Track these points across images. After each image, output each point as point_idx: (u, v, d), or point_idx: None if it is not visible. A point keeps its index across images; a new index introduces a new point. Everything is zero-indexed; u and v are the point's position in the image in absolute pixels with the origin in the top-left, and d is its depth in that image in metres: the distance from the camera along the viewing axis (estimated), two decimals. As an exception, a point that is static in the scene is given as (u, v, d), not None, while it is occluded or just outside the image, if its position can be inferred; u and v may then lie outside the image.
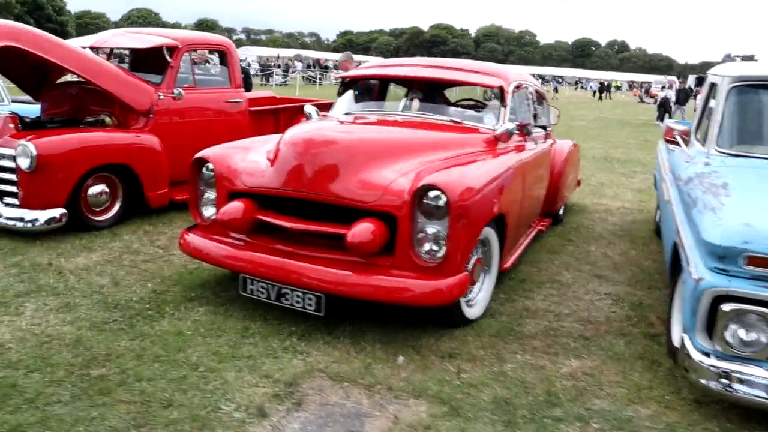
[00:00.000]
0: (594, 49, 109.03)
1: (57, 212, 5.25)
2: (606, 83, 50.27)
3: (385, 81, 5.86)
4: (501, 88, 5.00)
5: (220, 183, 4.10)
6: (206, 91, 6.69)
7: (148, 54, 6.69)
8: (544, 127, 6.07)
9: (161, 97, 6.18)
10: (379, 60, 6.91)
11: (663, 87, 30.12)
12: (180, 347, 3.47)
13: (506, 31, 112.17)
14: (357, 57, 74.74)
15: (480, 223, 3.84)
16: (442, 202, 3.57)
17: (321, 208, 3.83)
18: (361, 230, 3.55)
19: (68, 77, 7.01)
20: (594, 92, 45.58)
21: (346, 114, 5.13)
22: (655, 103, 43.31)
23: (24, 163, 5.08)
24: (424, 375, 3.37)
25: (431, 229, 3.64)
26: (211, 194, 4.23)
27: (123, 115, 6.05)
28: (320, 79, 39.16)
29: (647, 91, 54.41)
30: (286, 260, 3.74)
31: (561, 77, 74.17)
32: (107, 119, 6.08)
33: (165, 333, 3.64)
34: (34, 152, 5.04)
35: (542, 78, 67.02)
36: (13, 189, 5.25)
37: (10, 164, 5.20)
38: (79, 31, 57.75)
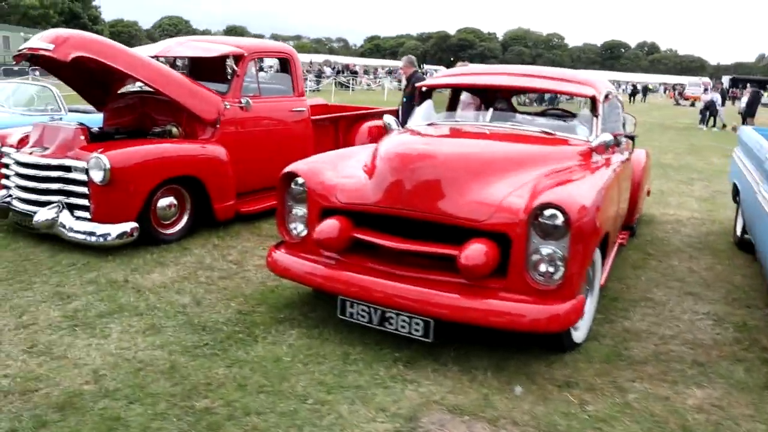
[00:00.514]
0: (623, 50, 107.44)
1: (129, 226, 5.10)
2: (640, 86, 49.32)
3: (464, 90, 5.63)
4: (593, 98, 4.74)
5: (312, 199, 3.89)
6: (271, 100, 6.51)
7: (206, 62, 6.54)
8: (630, 137, 5.77)
9: (228, 106, 6.02)
10: (456, 68, 6.64)
11: (706, 89, 29.28)
12: (282, 376, 3.26)
13: (534, 34, 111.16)
14: (375, 62, 74.08)
15: (595, 241, 3.59)
16: (560, 221, 3.32)
17: (421, 226, 3.60)
18: (475, 252, 3.31)
19: (129, 87, 6.91)
20: (629, 96, 44.74)
21: (430, 124, 4.90)
22: (692, 105, 42.52)
23: (97, 176, 4.94)
24: (546, 407, 3.11)
25: (546, 249, 3.38)
26: (299, 210, 4.02)
27: (190, 125, 5.90)
28: (352, 84, 39.10)
29: (681, 93, 53.35)
30: (389, 282, 3.52)
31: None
32: (174, 130, 5.93)
33: (262, 359, 3.43)
34: (108, 165, 4.90)
35: None
36: (84, 202, 5.12)
37: (82, 177, 5.07)
38: (113, 39, 58.63)
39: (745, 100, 22.70)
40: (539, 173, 3.83)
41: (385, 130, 5.22)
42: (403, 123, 7.82)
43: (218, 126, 5.96)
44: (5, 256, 4.98)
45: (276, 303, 4.27)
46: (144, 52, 6.29)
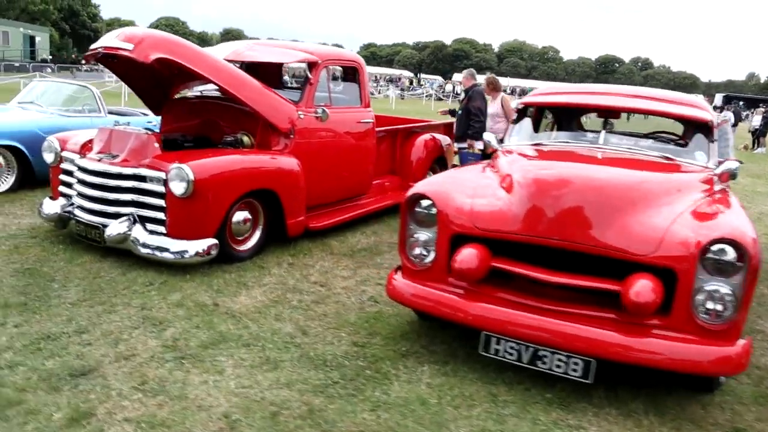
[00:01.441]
0: (618, 65, 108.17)
1: (207, 243, 4.73)
2: None
3: (563, 109, 5.36)
4: (709, 122, 4.50)
5: (443, 224, 3.55)
6: (342, 111, 6.17)
7: (265, 68, 6.18)
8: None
9: (301, 116, 5.67)
10: (551, 85, 6.38)
11: (722, 108, 29.30)
12: (438, 422, 2.93)
13: (529, 47, 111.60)
14: (382, 70, 73.90)
15: (757, 276, 3.29)
16: (732, 256, 3.04)
17: (567, 257, 3.30)
18: (644, 288, 3.03)
19: (185, 92, 6.54)
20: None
21: (537, 144, 4.63)
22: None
23: (178, 187, 4.57)
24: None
25: (714, 286, 3.09)
26: (423, 235, 3.68)
27: (264, 135, 5.54)
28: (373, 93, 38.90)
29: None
30: (543, 318, 3.21)
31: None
32: (246, 139, 5.57)
33: (406, 401, 3.09)
34: (191, 176, 4.54)
35: None
36: (159, 215, 4.74)
37: (159, 188, 4.70)
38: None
39: (758, 119, 22.69)
40: (686, 203, 3.56)
41: (485, 148, 4.95)
42: (459, 136, 7.57)
43: (292, 136, 5.60)
44: (74, 272, 4.58)
45: (390, 333, 3.92)
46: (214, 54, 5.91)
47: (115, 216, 4.82)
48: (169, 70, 5.33)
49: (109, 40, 4.78)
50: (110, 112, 8.17)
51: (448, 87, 55.93)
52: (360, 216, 6.59)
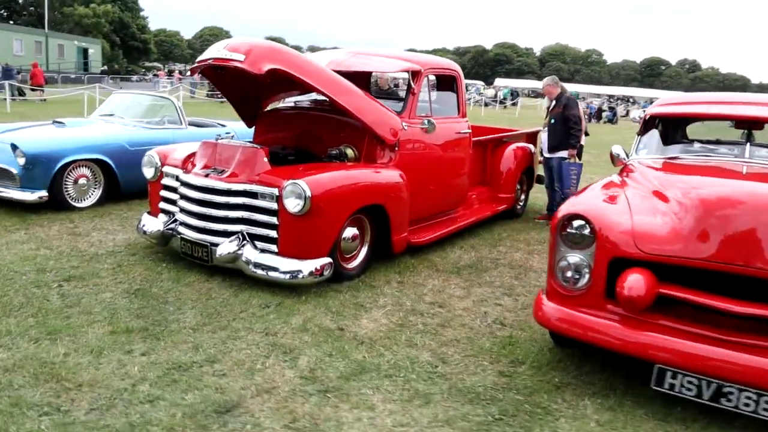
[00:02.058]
0: (664, 68, 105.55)
1: (321, 262, 4.50)
2: None
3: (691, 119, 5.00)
4: None
5: (602, 246, 3.23)
6: (442, 121, 5.89)
7: (359, 78, 5.94)
8: None
9: (405, 127, 5.41)
10: (677, 94, 6.01)
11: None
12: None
13: (572, 50, 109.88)
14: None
15: None
16: None
17: (738, 283, 2.98)
18: None
19: (277, 103, 6.37)
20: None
21: (672, 158, 4.31)
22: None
23: (293, 204, 4.36)
24: None
25: None
26: (574, 257, 3.36)
27: (370, 147, 5.30)
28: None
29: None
30: (728, 351, 2.89)
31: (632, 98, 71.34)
32: (350, 151, 5.34)
33: (586, 447, 2.77)
34: (308, 193, 4.32)
35: (610, 98, 64.88)
36: (271, 233, 4.53)
37: (271, 205, 4.50)
38: (157, 49, 59.25)
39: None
40: None
41: (616, 159, 4.63)
42: (552, 147, 7.18)
43: (397, 149, 5.36)
44: (185, 294, 4.40)
45: (534, 362, 3.62)
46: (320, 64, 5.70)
47: (223, 234, 4.64)
48: (269, 80, 5.13)
49: (217, 52, 4.60)
50: (190, 124, 8.09)
51: (489, 92, 55.06)
52: (459, 230, 6.31)
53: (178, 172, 4.99)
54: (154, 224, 5.00)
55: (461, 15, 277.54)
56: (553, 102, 7.31)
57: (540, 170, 7.99)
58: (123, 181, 7.03)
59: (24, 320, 3.80)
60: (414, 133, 5.50)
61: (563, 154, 7.06)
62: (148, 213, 5.41)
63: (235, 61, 4.48)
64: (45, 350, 3.42)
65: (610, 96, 69.45)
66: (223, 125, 8.63)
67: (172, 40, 77.13)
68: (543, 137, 7.45)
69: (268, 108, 6.10)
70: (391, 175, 5.16)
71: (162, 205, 5.17)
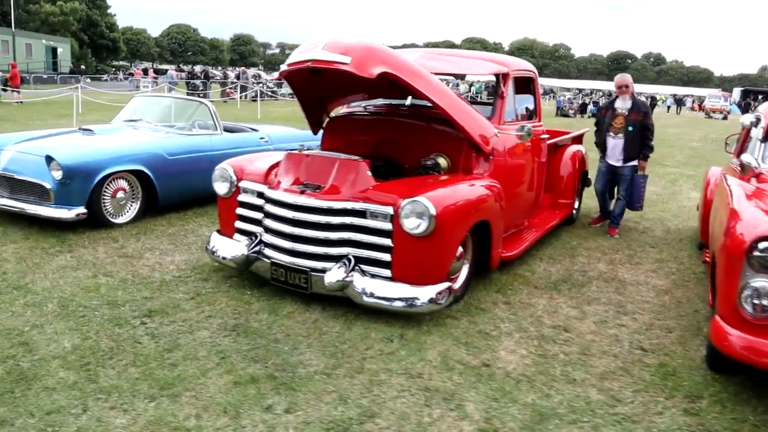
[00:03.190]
0: (630, 62, 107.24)
1: (440, 287, 4.03)
2: (680, 98, 49.38)
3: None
4: None
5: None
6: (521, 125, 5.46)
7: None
8: None
9: (497, 134, 4.97)
10: None
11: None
12: None
13: (540, 45, 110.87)
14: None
15: None
16: None
17: None
18: None
19: (341, 108, 5.84)
20: (669, 107, 45.07)
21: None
22: (724, 118, 41.98)
23: (415, 225, 3.88)
24: None
25: None
26: (762, 282, 2.99)
27: (467, 157, 4.84)
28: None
29: (701, 106, 53.14)
30: None
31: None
32: (442, 161, 4.87)
33: None
34: (432, 211, 3.84)
35: (580, 91, 65.39)
36: (383, 257, 4.04)
37: (384, 225, 4.00)
38: (124, 47, 57.37)
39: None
40: None
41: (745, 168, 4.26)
42: (628, 157, 6.59)
43: (492, 157, 4.91)
44: (292, 328, 3.88)
45: (714, 396, 3.31)
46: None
47: (322, 258, 4.13)
48: (377, 84, 4.63)
49: (315, 53, 4.07)
50: (225, 129, 7.48)
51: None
52: (538, 239, 5.90)
53: (262, 188, 4.44)
54: (235, 248, 4.42)
55: (430, 10, 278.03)
56: (629, 105, 6.47)
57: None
58: (162, 193, 6.42)
59: (124, 371, 3.24)
60: (506, 140, 5.07)
61: (635, 163, 6.58)
62: (219, 233, 4.85)
63: (341, 63, 3.97)
64: (170, 412, 2.88)
65: (580, 89, 70.04)
66: (256, 129, 8.07)
67: (139, 38, 74.93)
68: (610, 143, 6.59)
69: (339, 113, 5.58)
70: (493, 187, 4.70)
71: (239, 224, 4.61)
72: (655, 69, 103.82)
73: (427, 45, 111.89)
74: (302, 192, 4.20)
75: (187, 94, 27.12)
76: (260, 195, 4.46)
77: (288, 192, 4.24)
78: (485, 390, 3.22)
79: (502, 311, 4.39)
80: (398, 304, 3.94)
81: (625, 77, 6.61)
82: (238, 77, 36.50)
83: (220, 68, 51.55)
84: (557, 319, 4.31)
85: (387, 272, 4.03)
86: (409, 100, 5.13)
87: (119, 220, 6.13)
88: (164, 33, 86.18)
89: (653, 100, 46.70)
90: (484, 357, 3.61)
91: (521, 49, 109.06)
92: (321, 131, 5.54)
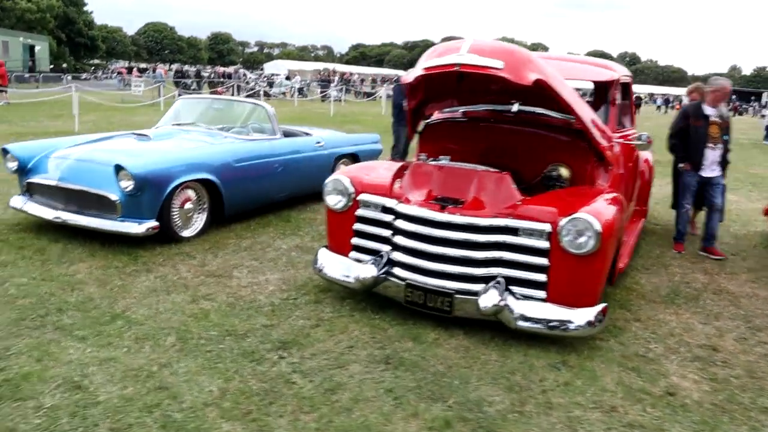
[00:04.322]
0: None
1: (597, 309, 3.68)
2: (668, 97, 50.33)
3: None
4: None
5: None
6: (630, 133, 5.18)
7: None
8: None
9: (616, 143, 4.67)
10: None
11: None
12: None
13: (519, 44, 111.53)
14: (372, 71, 73.16)
15: None
16: None
17: None
18: None
19: (437, 114, 5.44)
20: (659, 107, 46.22)
21: None
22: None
23: (578, 244, 3.53)
24: None
25: None
26: None
27: (593, 167, 4.52)
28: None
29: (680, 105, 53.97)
30: None
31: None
32: (564, 171, 4.53)
33: None
34: (598, 228, 3.49)
35: None
36: (537, 277, 3.68)
37: (539, 244, 3.64)
38: (100, 45, 55.86)
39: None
40: None
41: None
42: (722, 166, 6.10)
43: (610, 167, 4.59)
44: (451, 359, 3.52)
45: None
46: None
47: (469, 279, 3.75)
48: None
49: (465, 57, 3.70)
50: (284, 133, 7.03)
51: None
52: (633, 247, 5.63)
53: (390, 202, 4.03)
54: (362, 269, 3.99)
55: (409, 9, 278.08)
56: (723, 113, 6.00)
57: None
58: (228, 203, 5.96)
59: (296, 419, 2.84)
60: (623, 149, 4.78)
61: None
62: (328, 249, 4.42)
63: (494, 69, 3.60)
64: (377, 469, 2.47)
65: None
66: (308, 133, 7.64)
67: (115, 37, 73.04)
68: (710, 155, 5.89)
69: (435, 118, 5.19)
70: (621, 200, 4.37)
71: (357, 241, 4.20)
72: (631, 68, 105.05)
73: (407, 44, 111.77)
74: (443, 208, 3.81)
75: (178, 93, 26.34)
76: (385, 209, 4.05)
77: (427, 207, 3.85)
78: (690, 424, 2.97)
79: (639, 330, 4.13)
80: (555, 328, 3.59)
81: (727, 83, 5.97)
82: (229, 77, 35.74)
83: (209, 67, 50.50)
84: (698, 337, 4.07)
85: (539, 293, 3.68)
86: (515, 107, 4.77)
87: (186, 233, 5.64)
88: (140, 31, 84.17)
89: (638, 100, 47.21)
90: (662, 384, 3.36)
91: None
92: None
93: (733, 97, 57.85)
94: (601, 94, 4.78)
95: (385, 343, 3.64)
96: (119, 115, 18.50)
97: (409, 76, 4.14)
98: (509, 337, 3.77)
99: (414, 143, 10.17)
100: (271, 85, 33.72)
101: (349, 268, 4.13)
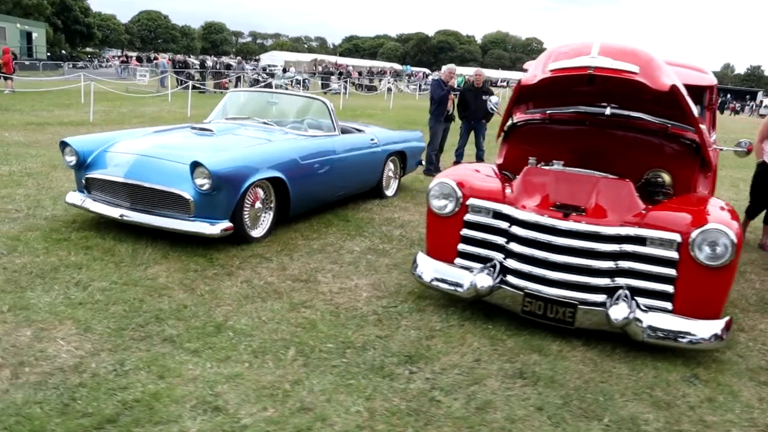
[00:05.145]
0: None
1: (723, 322, 3.58)
2: None
3: None
4: None
5: None
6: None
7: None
8: None
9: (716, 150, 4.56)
10: None
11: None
12: None
13: (513, 38, 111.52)
14: (367, 63, 72.45)
15: None
16: None
17: None
18: None
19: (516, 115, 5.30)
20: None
21: None
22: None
23: (713, 256, 3.41)
24: None
25: None
26: None
27: (699, 174, 4.40)
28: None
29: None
30: None
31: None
32: (666, 177, 4.41)
33: None
34: (734, 240, 3.39)
35: None
36: (663, 288, 3.56)
37: (668, 254, 3.52)
38: (94, 34, 55.03)
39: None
40: None
41: None
42: None
43: (709, 174, 4.48)
44: (584, 373, 3.40)
45: None
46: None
47: (592, 289, 3.63)
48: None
49: (598, 60, 3.56)
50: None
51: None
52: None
53: (502, 207, 3.89)
54: (481, 279, 3.81)
55: (402, 1, 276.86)
56: None
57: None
58: (294, 202, 5.77)
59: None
60: (717, 155, 4.68)
61: None
62: (427, 255, 4.27)
63: (629, 73, 3.48)
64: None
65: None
66: (361, 130, 7.46)
67: (109, 24, 71.92)
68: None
69: (521, 119, 5.05)
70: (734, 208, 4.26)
71: (464, 247, 4.04)
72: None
73: (401, 37, 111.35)
74: (565, 215, 3.67)
75: (178, 81, 25.87)
76: (497, 215, 3.90)
77: (548, 215, 3.70)
78: None
79: (748, 341, 4.12)
80: (682, 341, 3.48)
81: None
82: (228, 67, 35.29)
83: (213, 57, 49.83)
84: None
85: (666, 305, 3.57)
86: (608, 110, 4.65)
87: (255, 234, 5.46)
88: (134, 19, 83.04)
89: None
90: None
91: (494, 42, 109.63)
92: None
93: (728, 96, 58.06)
94: (699, 98, 4.63)
95: (509, 356, 3.51)
96: (128, 105, 18.18)
97: (528, 77, 3.98)
98: (629, 349, 3.67)
99: (450, 140, 10.15)
100: (272, 77, 33.31)
101: (456, 276, 3.98)
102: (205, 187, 4.89)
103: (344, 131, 7.05)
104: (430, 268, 4.13)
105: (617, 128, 4.67)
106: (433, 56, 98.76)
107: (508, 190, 4.00)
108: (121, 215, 5.17)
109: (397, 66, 73.27)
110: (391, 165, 7.76)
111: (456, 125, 10.51)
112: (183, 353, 3.31)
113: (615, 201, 3.71)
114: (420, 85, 39.35)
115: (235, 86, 28.67)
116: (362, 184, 7.16)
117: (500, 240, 3.87)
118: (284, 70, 40.41)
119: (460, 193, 4.04)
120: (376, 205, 7.26)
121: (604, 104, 4.70)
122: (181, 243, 5.10)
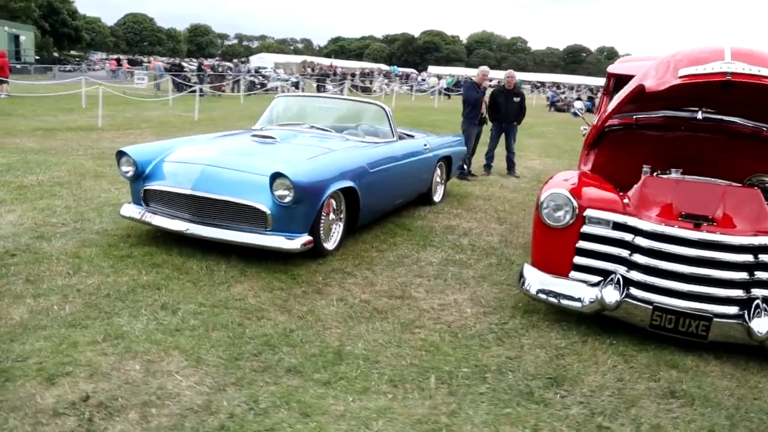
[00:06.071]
0: (585, 55, 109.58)
1: None
2: None
3: None
4: None
5: None
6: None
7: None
8: None
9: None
10: None
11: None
12: None
13: (498, 38, 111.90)
14: (355, 64, 72.34)
15: None
16: None
17: None
18: None
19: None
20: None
21: None
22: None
23: None
24: None
25: None
26: None
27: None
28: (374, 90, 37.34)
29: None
30: None
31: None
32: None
33: None
34: None
35: (542, 84, 65.09)
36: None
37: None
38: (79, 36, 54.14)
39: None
40: None
41: None
42: None
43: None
44: (733, 391, 3.22)
45: None
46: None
47: (726, 301, 3.48)
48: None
49: (733, 65, 3.41)
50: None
51: (432, 80, 53.28)
52: None
53: (632, 220, 3.72)
54: (608, 293, 3.64)
55: (388, 2, 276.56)
56: None
57: None
58: (364, 211, 5.57)
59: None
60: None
61: None
62: (535, 267, 4.09)
63: (761, 76, 3.33)
64: None
65: (541, 82, 70.00)
66: (412, 135, 7.27)
67: (94, 27, 70.85)
68: None
69: (611, 124, 4.89)
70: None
71: (581, 260, 3.87)
72: (609, 62, 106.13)
73: (386, 37, 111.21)
74: (696, 225, 3.52)
75: (175, 84, 25.39)
76: (617, 226, 3.74)
77: (677, 225, 3.55)
78: None
79: None
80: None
81: None
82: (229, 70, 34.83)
83: (217, 59, 49.21)
84: None
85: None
86: (700, 114, 4.51)
87: (328, 246, 5.25)
88: (120, 22, 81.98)
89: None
90: None
91: (479, 42, 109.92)
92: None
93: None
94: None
95: (649, 374, 3.37)
96: (132, 109, 17.79)
97: (656, 83, 3.81)
98: (762, 361, 3.54)
99: (483, 141, 9.96)
100: (266, 78, 32.93)
101: (572, 289, 3.81)
102: (286, 200, 4.66)
103: (406, 136, 6.88)
104: (540, 282, 3.95)
105: (709, 132, 4.53)
106: (419, 57, 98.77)
107: (625, 200, 3.84)
108: (187, 229, 4.90)
109: (384, 67, 73.02)
110: (438, 170, 7.59)
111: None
112: (315, 386, 3.08)
113: (744, 210, 3.58)
114: (413, 87, 39.16)
115: (232, 90, 28.31)
116: (417, 190, 6.99)
117: (624, 252, 3.71)
118: (275, 72, 39.98)
119: (576, 203, 3.86)
120: (428, 212, 7.09)
121: (695, 108, 4.56)
122: (254, 258, 4.87)
